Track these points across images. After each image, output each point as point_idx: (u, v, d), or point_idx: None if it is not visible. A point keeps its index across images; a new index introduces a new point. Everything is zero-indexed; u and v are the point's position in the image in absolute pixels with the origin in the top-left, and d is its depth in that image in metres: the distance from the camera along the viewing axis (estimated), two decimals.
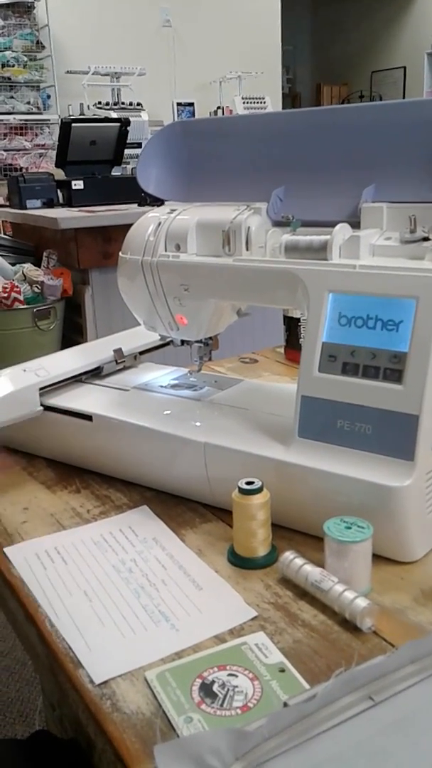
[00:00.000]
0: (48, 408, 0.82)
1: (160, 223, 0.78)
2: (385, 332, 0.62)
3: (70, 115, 4.82)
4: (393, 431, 0.61)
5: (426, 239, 0.64)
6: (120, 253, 0.81)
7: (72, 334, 2.57)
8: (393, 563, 0.62)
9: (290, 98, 8.14)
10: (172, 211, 0.79)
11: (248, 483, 0.62)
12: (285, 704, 0.44)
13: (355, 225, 0.69)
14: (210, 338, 0.85)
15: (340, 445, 0.64)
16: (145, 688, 0.49)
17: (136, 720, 0.46)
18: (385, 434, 0.62)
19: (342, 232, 0.67)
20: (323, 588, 0.56)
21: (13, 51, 4.95)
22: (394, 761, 0.42)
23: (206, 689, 0.48)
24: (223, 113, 5.77)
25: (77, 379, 0.88)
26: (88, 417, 0.79)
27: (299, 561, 0.60)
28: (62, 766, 0.57)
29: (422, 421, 0.60)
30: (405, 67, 7.53)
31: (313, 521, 0.63)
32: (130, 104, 5.07)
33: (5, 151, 4.91)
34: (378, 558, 0.61)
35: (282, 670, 0.50)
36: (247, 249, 0.73)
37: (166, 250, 0.77)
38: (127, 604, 0.58)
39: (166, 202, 0.84)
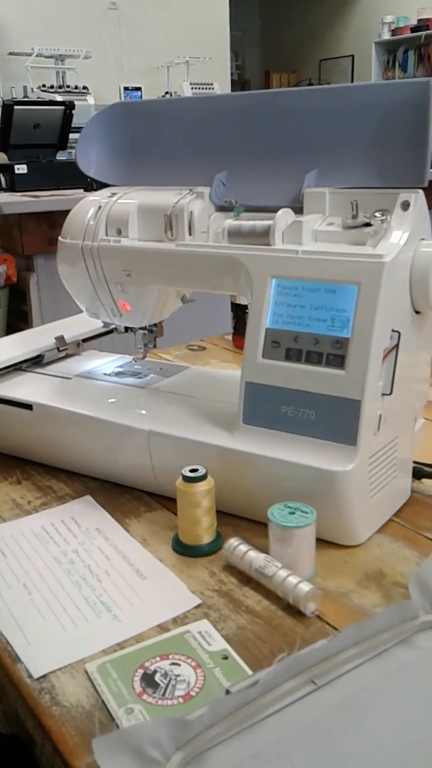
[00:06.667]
0: None
1: (100, 207, 0.76)
2: (328, 318, 0.62)
3: (13, 98, 4.69)
4: (336, 416, 0.61)
5: (368, 225, 0.64)
6: (59, 238, 0.79)
7: (17, 322, 2.51)
8: (337, 547, 0.63)
9: (239, 85, 8.10)
10: (113, 194, 0.77)
11: (192, 471, 0.62)
12: (227, 691, 0.44)
13: (298, 210, 0.68)
14: (155, 325, 0.84)
15: (284, 431, 0.64)
16: (85, 680, 0.48)
17: (76, 713, 0.45)
18: (328, 419, 0.62)
19: (284, 217, 0.66)
20: (267, 573, 0.56)
21: None
22: (337, 743, 0.42)
23: (148, 679, 0.47)
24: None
25: (17, 368, 0.86)
26: (28, 406, 0.77)
27: (243, 547, 0.59)
28: (2, 761, 0.56)
29: (364, 405, 0.60)
30: (353, 56, 7.56)
31: (258, 507, 0.62)
32: (76, 87, 4.96)
33: None
34: (322, 542, 0.61)
35: (225, 657, 0.49)
36: (189, 234, 0.72)
37: (107, 235, 0.75)
38: (68, 596, 0.57)
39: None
